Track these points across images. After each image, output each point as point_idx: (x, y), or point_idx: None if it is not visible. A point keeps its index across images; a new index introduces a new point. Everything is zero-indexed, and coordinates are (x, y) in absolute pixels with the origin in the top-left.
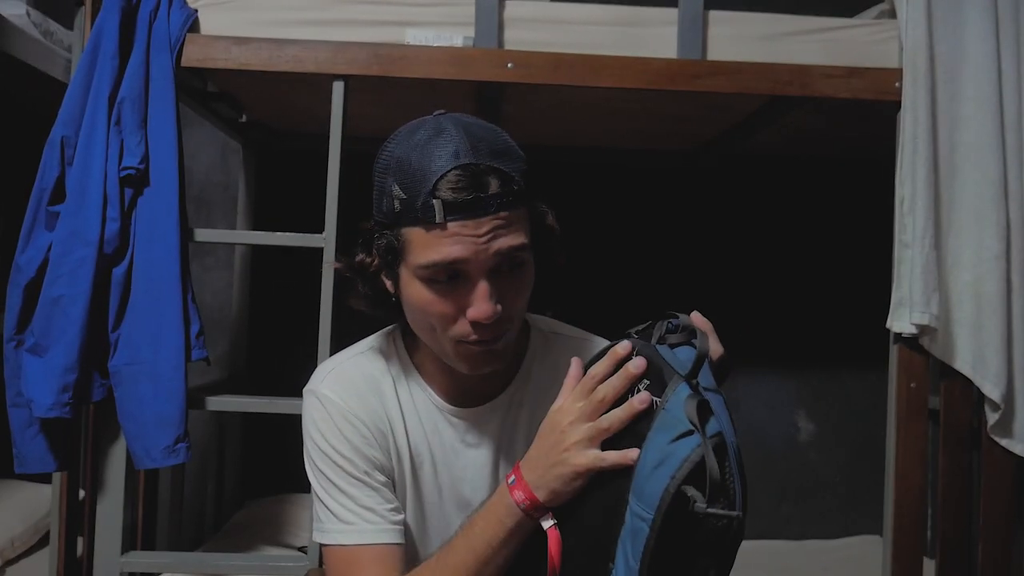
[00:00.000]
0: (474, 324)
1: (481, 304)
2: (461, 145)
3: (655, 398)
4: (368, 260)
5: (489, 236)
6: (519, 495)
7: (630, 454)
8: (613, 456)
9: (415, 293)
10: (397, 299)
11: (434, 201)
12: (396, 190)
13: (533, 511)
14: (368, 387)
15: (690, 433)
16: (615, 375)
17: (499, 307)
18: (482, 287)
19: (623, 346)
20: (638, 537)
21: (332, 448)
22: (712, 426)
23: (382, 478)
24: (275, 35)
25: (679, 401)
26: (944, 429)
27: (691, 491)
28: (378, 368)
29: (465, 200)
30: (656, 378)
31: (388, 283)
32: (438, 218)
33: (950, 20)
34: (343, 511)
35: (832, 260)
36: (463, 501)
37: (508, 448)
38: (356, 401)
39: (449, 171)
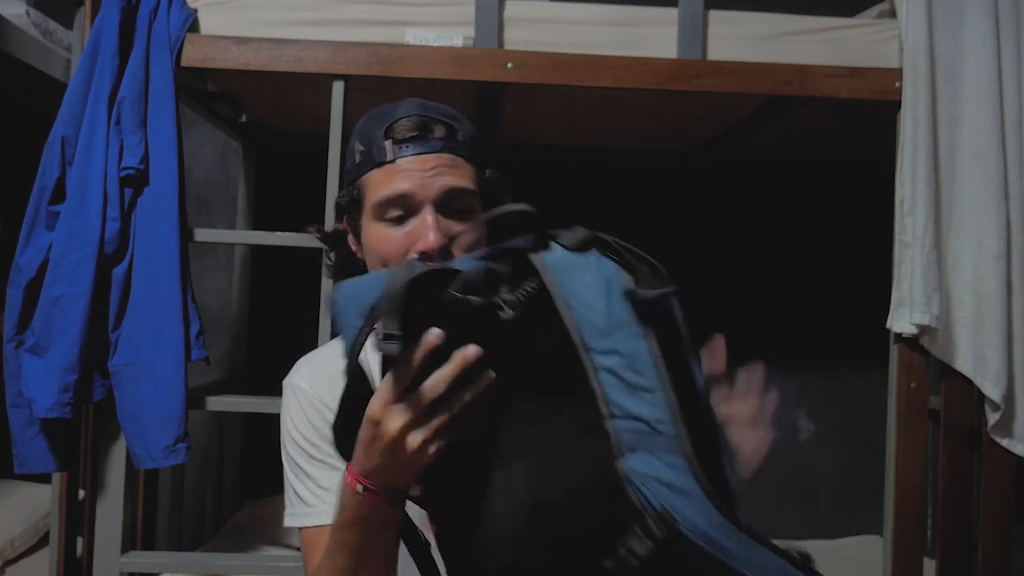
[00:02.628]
0: (422, 257)
1: (427, 234)
2: (413, 105)
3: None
4: (339, 227)
5: (434, 171)
6: (349, 478)
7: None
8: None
9: (372, 235)
10: (363, 262)
11: (385, 142)
12: (357, 145)
13: (373, 495)
14: (338, 374)
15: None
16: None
17: (446, 241)
18: (427, 219)
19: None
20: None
21: (300, 434)
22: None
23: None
24: (275, 35)
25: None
26: (944, 429)
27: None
28: None
29: (412, 136)
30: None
31: (353, 244)
32: (389, 156)
33: (950, 20)
34: (307, 494)
35: (832, 260)
36: None
37: None
38: (326, 389)
39: (400, 118)
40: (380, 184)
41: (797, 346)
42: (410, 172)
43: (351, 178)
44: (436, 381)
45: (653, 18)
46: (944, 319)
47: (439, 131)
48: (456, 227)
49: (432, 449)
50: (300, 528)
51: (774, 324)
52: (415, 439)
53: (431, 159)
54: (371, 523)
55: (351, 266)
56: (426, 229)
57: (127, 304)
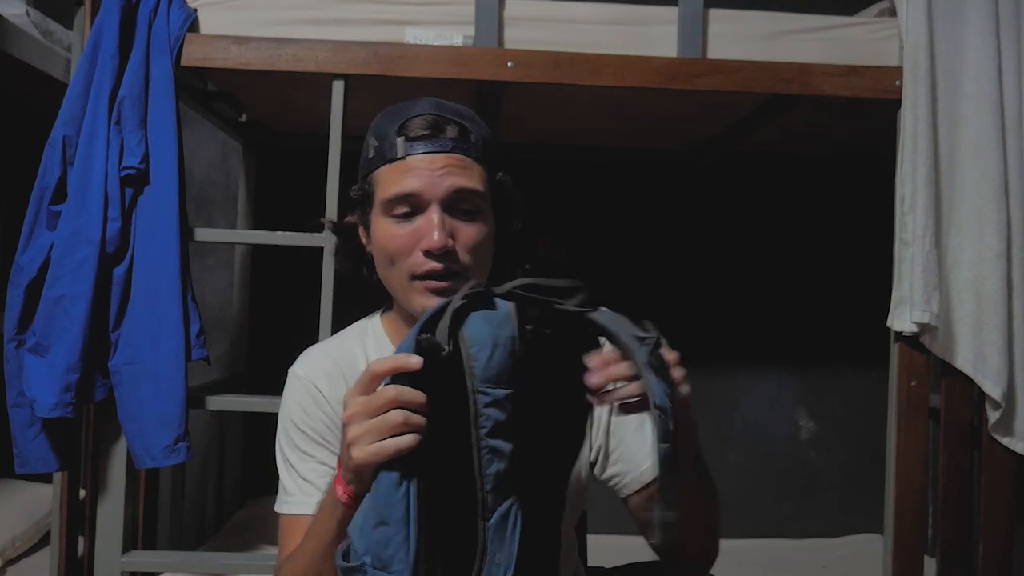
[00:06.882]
0: (426, 254)
1: (432, 233)
2: (428, 104)
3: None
4: (350, 219)
5: (443, 171)
6: (339, 489)
7: (402, 441)
8: (390, 445)
9: (380, 230)
10: (371, 255)
11: (398, 139)
12: (371, 140)
13: (353, 503)
14: (340, 365)
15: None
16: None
17: (450, 241)
18: (433, 217)
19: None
20: None
21: (290, 420)
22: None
23: (334, 452)
24: (275, 34)
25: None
26: (945, 428)
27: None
28: (353, 347)
29: (424, 135)
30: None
31: (364, 237)
32: (399, 152)
33: (950, 18)
34: (289, 482)
35: (833, 258)
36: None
37: None
38: (323, 380)
39: (414, 116)
40: (390, 180)
41: (798, 344)
42: (420, 170)
43: (364, 172)
44: (392, 388)
45: (653, 17)
46: (944, 317)
47: (451, 131)
48: (461, 227)
49: (370, 449)
50: (279, 514)
51: (775, 322)
52: (364, 425)
53: (441, 158)
54: (343, 523)
55: (359, 258)
56: (431, 228)
57: (127, 304)
